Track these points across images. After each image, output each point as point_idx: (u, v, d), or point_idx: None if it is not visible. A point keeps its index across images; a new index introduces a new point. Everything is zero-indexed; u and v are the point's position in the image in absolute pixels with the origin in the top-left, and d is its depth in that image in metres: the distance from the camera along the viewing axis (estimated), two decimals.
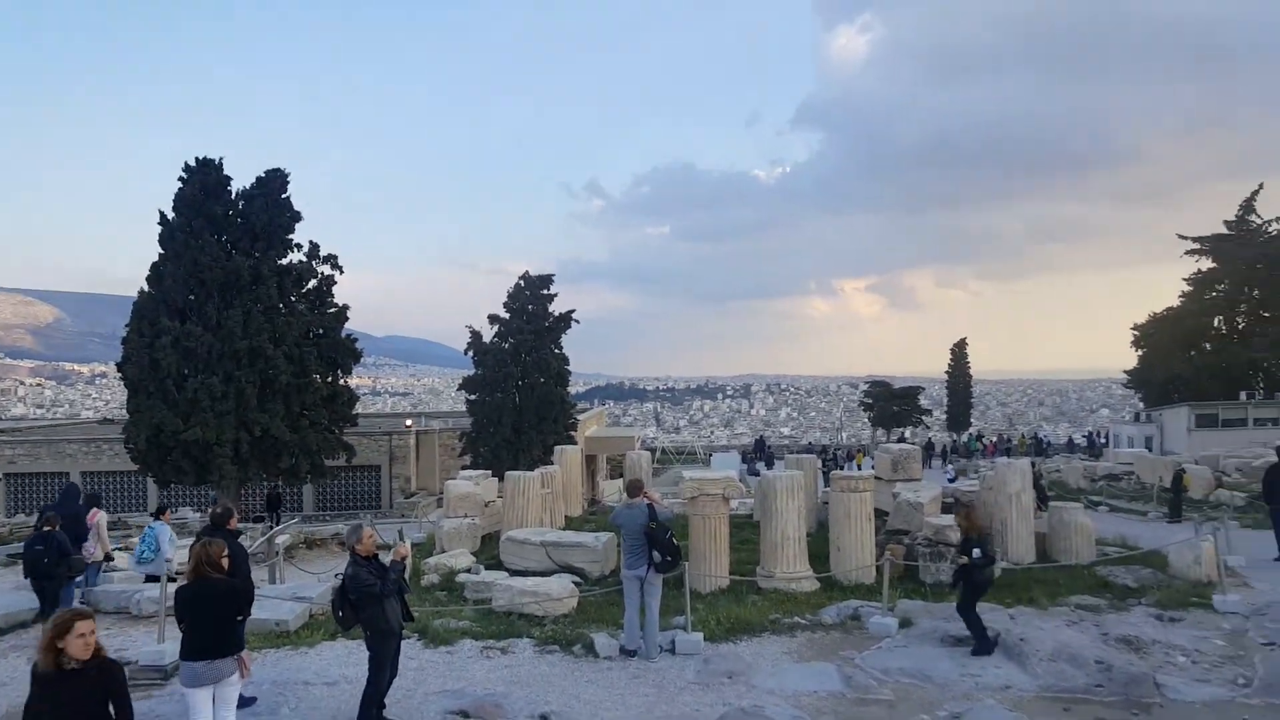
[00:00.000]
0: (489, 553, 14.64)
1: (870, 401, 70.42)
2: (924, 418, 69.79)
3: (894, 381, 78.48)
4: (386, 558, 7.35)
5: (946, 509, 14.69)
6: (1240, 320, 47.21)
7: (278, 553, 14.25)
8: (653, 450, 48.29)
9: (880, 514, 13.87)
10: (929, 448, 50.01)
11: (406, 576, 7.42)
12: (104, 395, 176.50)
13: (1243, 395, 42.27)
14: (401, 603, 7.16)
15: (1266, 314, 46.01)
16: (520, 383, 29.99)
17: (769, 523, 12.33)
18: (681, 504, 13.42)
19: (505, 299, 31.19)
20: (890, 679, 8.50)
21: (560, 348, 31.28)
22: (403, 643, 7.54)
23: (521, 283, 31.42)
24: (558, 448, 20.57)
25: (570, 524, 17.17)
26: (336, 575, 9.26)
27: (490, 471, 19.84)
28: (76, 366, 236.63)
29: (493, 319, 31.02)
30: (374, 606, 6.86)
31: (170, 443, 23.20)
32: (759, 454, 46.40)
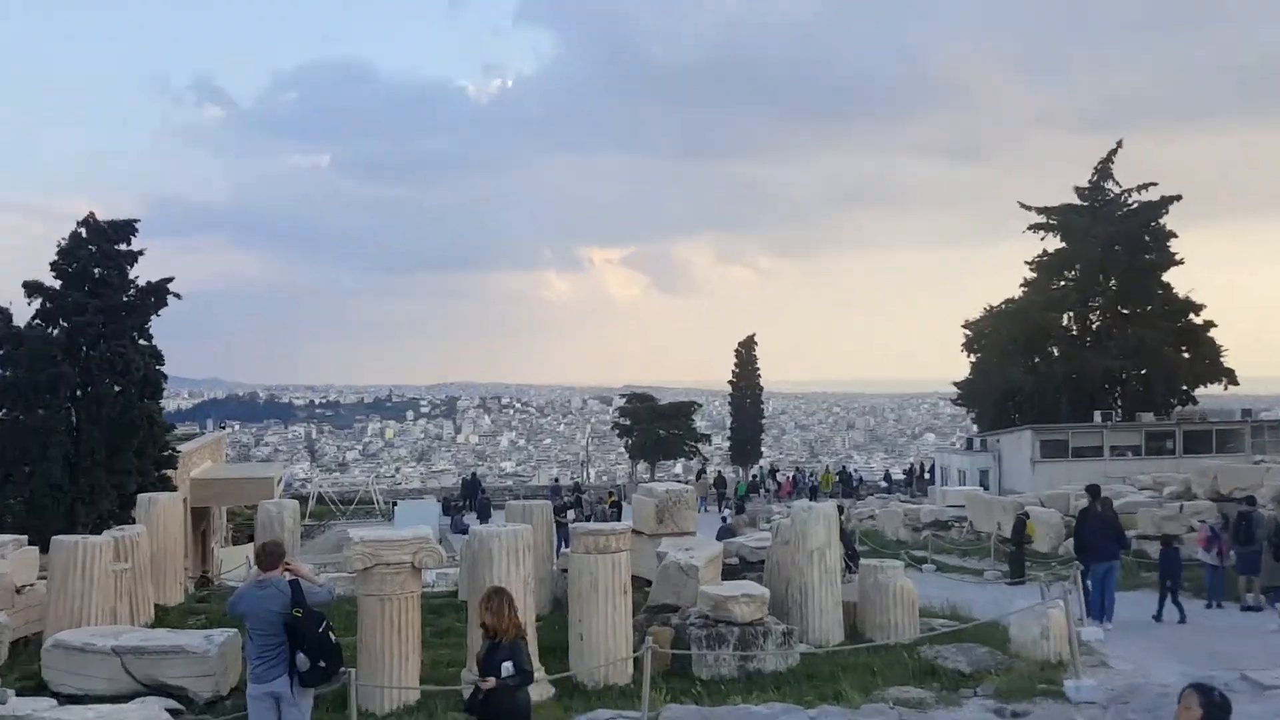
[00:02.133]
0: (24, 669, 13.67)
1: (628, 423, 72.44)
2: (700, 445, 72.42)
3: (660, 394, 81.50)
4: None
5: (729, 572, 15.42)
6: (1094, 318, 52.43)
7: None
8: (304, 498, 47.15)
9: (641, 583, 14.26)
10: (720, 484, 52.28)
11: None
12: None
13: (1097, 416, 47.10)
14: None
15: (1125, 310, 51.02)
16: (81, 391, 28.06)
17: None
18: (348, 579, 13.09)
19: (56, 257, 29.08)
20: None
21: (150, 337, 30.15)
22: None
23: (83, 232, 29.53)
24: (143, 496, 19.67)
25: (166, 618, 16.51)
26: None
27: (26, 537, 18.49)
28: None
29: (32, 288, 28.80)
30: None
31: None
32: (469, 501, 46.48)
